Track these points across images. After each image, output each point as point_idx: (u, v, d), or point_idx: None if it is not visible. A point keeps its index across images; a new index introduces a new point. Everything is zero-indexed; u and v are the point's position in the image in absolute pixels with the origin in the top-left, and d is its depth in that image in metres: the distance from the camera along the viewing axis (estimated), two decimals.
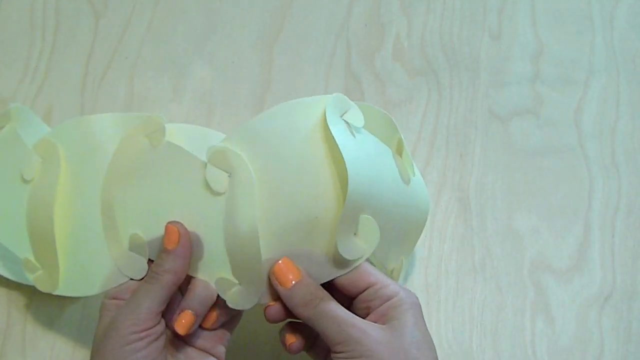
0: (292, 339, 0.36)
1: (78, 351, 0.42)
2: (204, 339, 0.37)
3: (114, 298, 0.35)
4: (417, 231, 0.38)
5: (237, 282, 0.33)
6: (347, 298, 0.36)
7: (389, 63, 0.48)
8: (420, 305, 0.35)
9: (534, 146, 0.48)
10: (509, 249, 0.44)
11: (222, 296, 0.33)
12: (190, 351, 0.36)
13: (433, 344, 0.34)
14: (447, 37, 0.49)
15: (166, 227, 0.35)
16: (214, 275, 0.34)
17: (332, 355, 0.34)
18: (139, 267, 0.33)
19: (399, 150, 0.37)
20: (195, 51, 0.51)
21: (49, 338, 0.42)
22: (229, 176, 0.33)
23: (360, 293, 0.36)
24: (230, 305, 0.34)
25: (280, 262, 0.35)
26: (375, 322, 0.34)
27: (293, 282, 0.34)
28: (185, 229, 0.35)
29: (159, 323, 0.34)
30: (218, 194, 0.32)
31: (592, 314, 0.42)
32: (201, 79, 0.50)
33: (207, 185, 0.32)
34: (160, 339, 0.34)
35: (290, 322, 0.36)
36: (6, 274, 0.41)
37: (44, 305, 0.43)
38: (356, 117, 0.34)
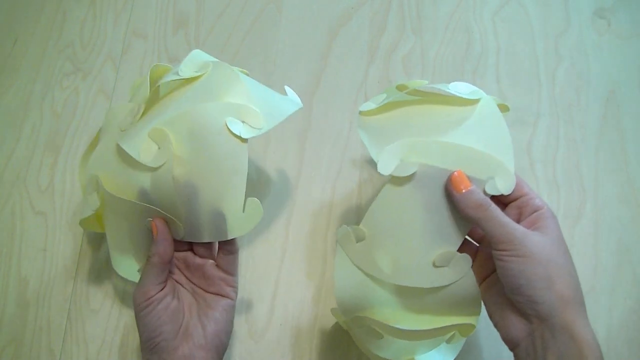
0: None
1: None
2: (215, 286, 0.42)
3: None
4: None
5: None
6: (500, 205, 0.38)
7: None
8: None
9: None
10: None
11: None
12: (207, 297, 0.42)
13: (570, 253, 0.36)
14: None
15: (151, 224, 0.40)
16: None
17: (495, 252, 0.35)
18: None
19: None
20: None
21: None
22: None
23: (514, 200, 0.38)
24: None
25: (455, 173, 0.37)
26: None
27: (464, 190, 0.36)
28: (163, 223, 0.40)
29: (161, 290, 0.39)
30: None
31: None
32: None
33: None
34: (164, 301, 0.39)
35: None
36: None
37: None
38: None
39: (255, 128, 0.41)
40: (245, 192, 0.41)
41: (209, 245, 0.42)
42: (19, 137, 0.57)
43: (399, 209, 0.38)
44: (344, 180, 0.55)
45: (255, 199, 0.41)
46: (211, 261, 0.42)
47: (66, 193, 0.54)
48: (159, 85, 0.42)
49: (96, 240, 0.53)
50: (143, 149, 0.40)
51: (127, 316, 0.50)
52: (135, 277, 0.45)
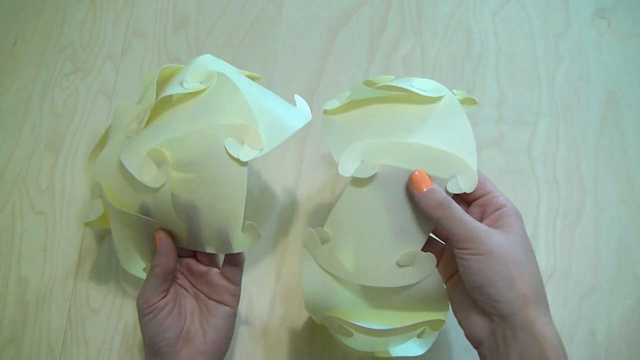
0: None
1: None
2: (219, 294, 0.42)
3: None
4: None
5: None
6: (464, 204, 0.38)
7: None
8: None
9: (499, 168, 0.55)
10: None
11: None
12: (210, 303, 0.41)
13: (533, 251, 0.36)
14: None
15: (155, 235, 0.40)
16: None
17: (456, 251, 0.35)
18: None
19: None
20: None
21: None
22: None
23: (478, 198, 0.38)
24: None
25: (416, 172, 0.36)
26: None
27: (425, 189, 0.36)
28: (166, 236, 0.40)
29: (163, 298, 0.39)
30: None
31: None
32: None
33: None
34: (166, 308, 0.39)
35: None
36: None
37: None
38: None
39: (255, 150, 0.39)
40: (246, 202, 0.40)
41: (212, 253, 0.42)
42: (19, 137, 0.57)
43: (362, 210, 0.38)
44: (344, 180, 0.55)
45: (253, 223, 0.40)
46: (215, 270, 0.42)
47: (66, 193, 0.54)
48: (164, 97, 0.42)
49: (96, 240, 0.53)
50: (144, 167, 0.40)
51: (127, 316, 0.50)
52: (141, 274, 0.46)
